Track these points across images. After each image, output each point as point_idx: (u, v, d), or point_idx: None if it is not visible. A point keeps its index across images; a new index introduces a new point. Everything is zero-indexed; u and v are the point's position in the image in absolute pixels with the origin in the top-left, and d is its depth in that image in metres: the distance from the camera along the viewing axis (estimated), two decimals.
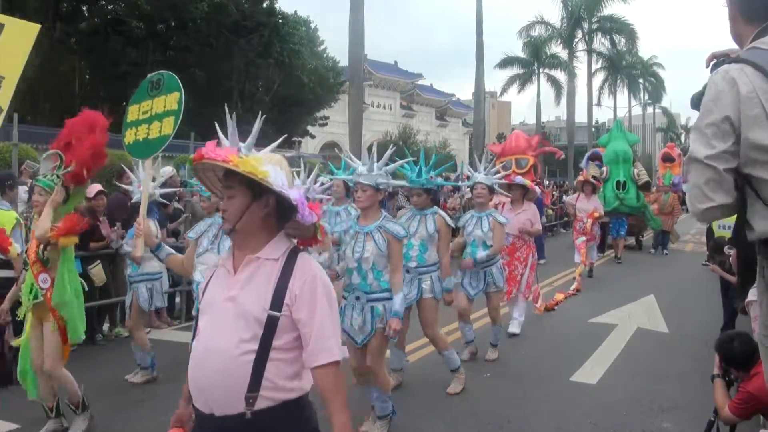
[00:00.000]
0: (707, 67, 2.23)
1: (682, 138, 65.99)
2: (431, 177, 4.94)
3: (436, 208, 5.06)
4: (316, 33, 27.44)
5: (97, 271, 6.89)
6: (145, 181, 4.56)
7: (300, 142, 22.79)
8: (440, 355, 5.12)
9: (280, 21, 22.64)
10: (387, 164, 4.17)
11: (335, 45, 37.11)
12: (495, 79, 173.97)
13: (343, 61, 22.61)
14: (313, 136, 30.19)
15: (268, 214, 2.02)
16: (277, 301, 1.93)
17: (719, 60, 2.16)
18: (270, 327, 1.91)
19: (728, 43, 2.25)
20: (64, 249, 4.07)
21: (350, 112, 18.12)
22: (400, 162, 4.56)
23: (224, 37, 21.37)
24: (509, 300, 7.04)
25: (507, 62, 35.07)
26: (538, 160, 14.04)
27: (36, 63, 18.55)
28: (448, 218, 5.04)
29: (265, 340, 1.90)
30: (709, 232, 10.36)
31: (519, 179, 7.26)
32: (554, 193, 20.28)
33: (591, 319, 7.79)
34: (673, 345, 6.69)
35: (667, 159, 16.69)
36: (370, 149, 4.22)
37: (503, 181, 6.47)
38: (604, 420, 4.57)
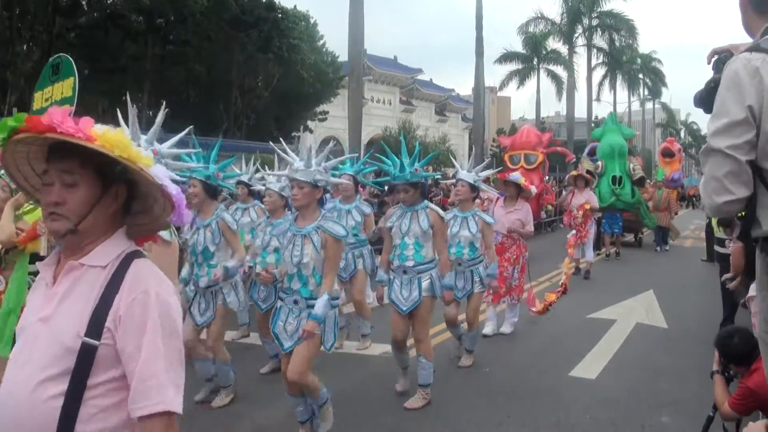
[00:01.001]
0: (709, 63, 2.22)
1: (682, 134, 66.06)
2: (416, 170, 4.56)
3: (426, 202, 4.69)
4: (315, 28, 27.37)
5: None
6: None
7: (299, 137, 22.77)
8: (417, 360, 4.69)
9: (280, 15, 22.59)
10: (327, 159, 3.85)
11: (335, 40, 37.02)
12: (495, 75, 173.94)
13: (343, 56, 22.57)
14: (312, 131, 30.15)
15: (117, 210, 1.55)
16: (96, 325, 1.43)
17: (721, 56, 2.15)
18: (84, 360, 1.41)
19: (728, 39, 2.24)
20: (25, 252, 3.81)
21: (350, 107, 18.09)
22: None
23: (224, 31, 21.33)
24: (498, 303, 6.81)
25: (506, 57, 35.08)
26: (546, 157, 13.93)
27: (35, 58, 18.50)
28: (441, 212, 4.73)
29: (78, 377, 1.41)
30: (709, 228, 10.38)
31: (513, 176, 6.90)
32: (554, 188, 20.27)
33: (590, 315, 7.79)
34: (673, 340, 6.70)
35: (667, 154, 16.66)
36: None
37: (491, 177, 6.17)
38: (603, 415, 4.58)
